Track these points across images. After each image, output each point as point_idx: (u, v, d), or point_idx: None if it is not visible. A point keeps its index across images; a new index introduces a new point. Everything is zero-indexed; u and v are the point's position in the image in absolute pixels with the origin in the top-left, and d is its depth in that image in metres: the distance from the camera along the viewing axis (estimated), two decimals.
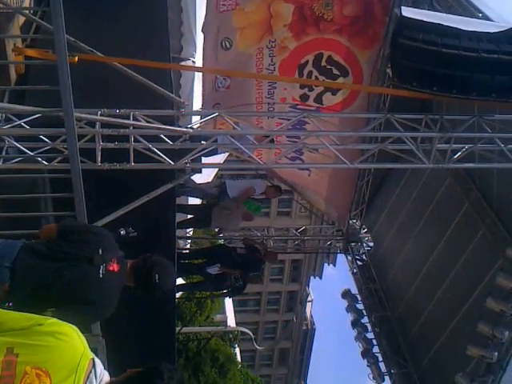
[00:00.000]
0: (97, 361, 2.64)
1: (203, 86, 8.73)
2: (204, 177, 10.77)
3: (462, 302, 8.95)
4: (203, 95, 8.75)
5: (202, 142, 7.17)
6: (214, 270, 10.56)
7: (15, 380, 2.34)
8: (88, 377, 2.54)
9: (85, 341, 2.61)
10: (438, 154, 7.24)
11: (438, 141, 7.07)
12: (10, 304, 3.66)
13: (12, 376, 2.34)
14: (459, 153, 7.17)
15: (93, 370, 2.57)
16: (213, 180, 11.89)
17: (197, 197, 11.27)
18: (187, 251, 12.49)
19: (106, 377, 2.68)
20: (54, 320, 2.59)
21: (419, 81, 6.74)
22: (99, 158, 6.51)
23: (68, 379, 2.45)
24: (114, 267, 4.09)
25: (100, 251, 4.05)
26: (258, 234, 13.50)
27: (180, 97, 8.37)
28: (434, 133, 7.08)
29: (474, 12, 7.71)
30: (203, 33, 8.43)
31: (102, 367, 2.67)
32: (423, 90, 6.79)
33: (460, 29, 6.47)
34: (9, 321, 2.52)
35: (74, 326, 2.61)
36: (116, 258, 4.15)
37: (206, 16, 8.27)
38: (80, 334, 2.61)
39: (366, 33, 7.91)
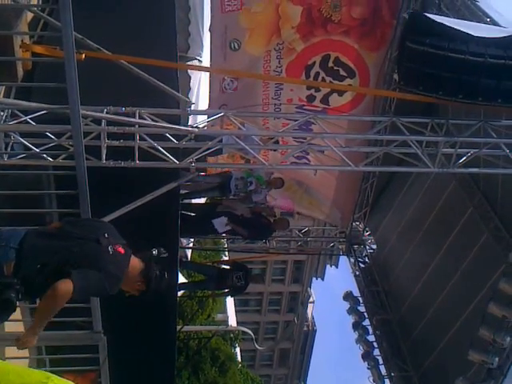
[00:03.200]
0: None
1: (210, 87, 8.75)
2: None
3: (463, 307, 8.93)
4: (210, 96, 8.77)
5: (208, 141, 7.17)
6: (220, 222, 10.19)
7: None
8: None
9: None
10: (443, 158, 7.23)
11: (444, 145, 7.06)
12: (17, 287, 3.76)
13: None
14: (464, 157, 7.16)
15: None
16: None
17: (200, 197, 11.26)
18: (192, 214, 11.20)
19: None
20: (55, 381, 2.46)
21: (425, 85, 6.73)
22: (104, 156, 6.52)
23: None
24: (121, 250, 4.17)
25: (105, 235, 4.16)
26: None
27: (188, 97, 8.37)
28: (439, 137, 7.07)
29: (481, 17, 7.70)
30: (210, 31, 8.45)
31: None
32: (429, 93, 6.78)
33: (468, 33, 6.46)
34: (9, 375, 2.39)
35: None
36: (121, 244, 4.23)
37: (211, 16, 8.29)
38: None
39: (373, 35, 7.92)
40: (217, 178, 10.81)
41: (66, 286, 3.79)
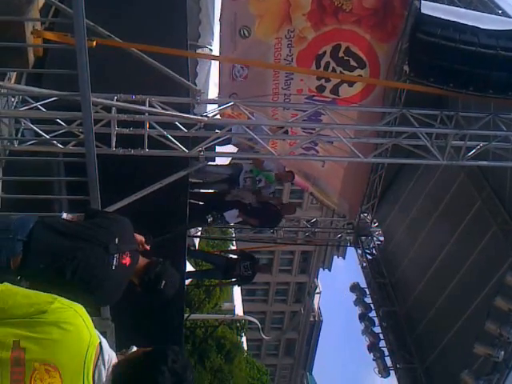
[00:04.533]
0: (104, 345, 2.58)
1: (220, 75, 8.73)
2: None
3: (470, 300, 8.93)
4: (220, 84, 8.75)
5: (217, 130, 7.18)
6: (232, 215, 10.24)
7: (25, 377, 2.31)
8: (96, 365, 2.49)
9: (91, 324, 2.55)
10: (452, 151, 7.22)
11: (453, 137, 7.05)
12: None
13: (22, 372, 2.32)
14: (473, 150, 7.15)
15: (100, 357, 2.51)
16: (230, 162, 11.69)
17: (208, 189, 11.28)
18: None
19: (114, 360, 2.63)
20: (58, 304, 2.49)
21: (436, 76, 6.72)
22: (114, 144, 6.55)
23: (77, 372, 2.41)
24: (127, 261, 4.08)
25: (117, 240, 4.04)
26: None
27: (196, 84, 8.38)
28: (448, 129, 7.06)
29: (493, 8, 7.66)
30: (220, 21, 8.43)
31: (110, 350, 2.61)
32: (440, 85, 6.76)
33: (478, 27, 6.44)
34: (11, 308, 2.44)
35: (78, 307, 2.54)
36: (130, 251, 4.14)
37: (222, 3, 8.27)
38: (86, 316, 2.55)
39: (384, 26, 7.87)
40: (228, 169, 10.82)
41: None
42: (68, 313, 2.49)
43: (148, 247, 4.54)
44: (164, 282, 4.26)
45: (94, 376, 2.48)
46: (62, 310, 2.48)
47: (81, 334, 2.47)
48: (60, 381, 2.37)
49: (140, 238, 4.47)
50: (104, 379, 2.53)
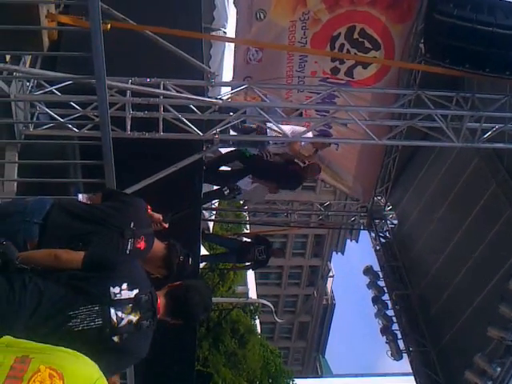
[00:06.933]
0: None
1: (235, 58, 8.73)
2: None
3: (484, 284, 8.90)
4: (234, 67, 8.75)
5: (231, 113, 7.17)
6: (246, 182, 9.79)
7: (25, 375, 2.10)
8: None
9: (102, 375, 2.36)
10: (468, 133, 7.17)
11: (469, 119, 7.00)
12: None
13: (23, 370, 2.12)
14: (489, 132, 7.09)
15: None
16: None
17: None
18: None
19: None
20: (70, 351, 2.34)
21: (452, 57, 6.66)
22: (129, 127, 6.56)
23: None
24: (141, 245, 4.04)
25: (132, 225, 4.01)
26: (283, 208, 13.52)
27: (210, 67, 8.36)
28: (464, 111, 7.00)
29: None
30: (235, 5, 8.41)
31: None
32: (456, 67, 6.70)
33: (496, 4, 6.36)
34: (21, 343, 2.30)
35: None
36: (145, 235, 4.11)
37: None
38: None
39: (400, 6, 7.82)
40: None
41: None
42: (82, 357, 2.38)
43: (166, 225, 4.54)
44: (190, 258, 4.31)
45: None
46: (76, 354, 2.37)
47: (91, 367, 2.35)
48: None
49: (157, 216, 4.46)
50: None
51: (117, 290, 3.22)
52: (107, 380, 2.36)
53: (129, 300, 3.23)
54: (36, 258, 3.40)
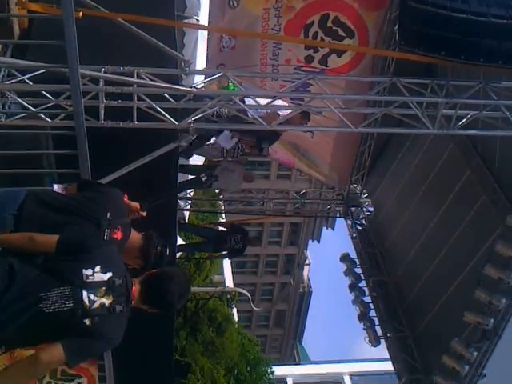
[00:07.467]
0: None
1: (208, 46, 8.66)
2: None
3: (460, 269, 8.99)
4: (208, 55, 8.69)
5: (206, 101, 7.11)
6: (225, 139, 9.30)
7: None
8: None
9: None
10: (443, 120, 7.19)
11: (444, 106, 7.02)
12: None
13: None
14: (464, 119, 7.13)
15: None
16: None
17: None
18: None
19: None
20: None
21: (427, 45, 6.65)
22: (102, 116, 6.47)
23: None
24: (118, 235, 4.02)
25: (108, 215, 3.99)
26: (258, 196, 13.51)
27: (183, 55, 8.28)
28: (439, 98, 7.02)
29: None
30: None
31: None
32: (431, 54, 6.71)
33: None
34: None
35: None
36: (122, 225, 4.09)
37: None
38: None
39: None
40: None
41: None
42: None
43: (144, 214, 4.50)
44: (167, 249, 4.28)
45: None
46: None
47: None
48: None
49: (135, 204, 4.43)
50: None
51: (89, 272, 3.18)
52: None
53: (102, 283, 3.20)
54: (11, 240, 3.39)
